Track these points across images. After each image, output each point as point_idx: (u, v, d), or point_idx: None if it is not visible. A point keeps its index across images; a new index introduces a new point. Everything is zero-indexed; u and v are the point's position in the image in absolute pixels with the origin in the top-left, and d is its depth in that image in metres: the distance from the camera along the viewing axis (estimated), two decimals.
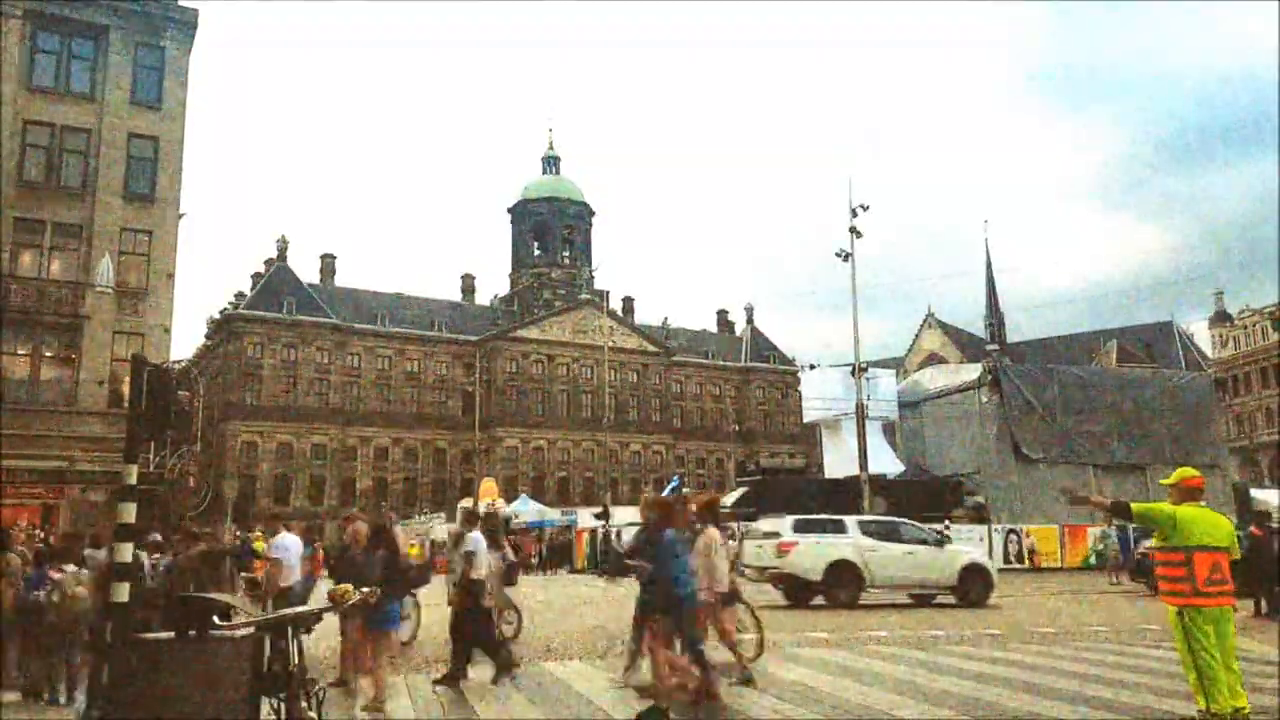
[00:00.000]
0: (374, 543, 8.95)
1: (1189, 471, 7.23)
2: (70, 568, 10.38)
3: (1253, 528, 16.73)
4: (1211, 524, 6.78)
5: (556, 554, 43.31)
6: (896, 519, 21.04)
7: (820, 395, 41.47)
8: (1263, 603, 15.91)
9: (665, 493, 49.88)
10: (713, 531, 9.21)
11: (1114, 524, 29.06)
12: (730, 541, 11.79)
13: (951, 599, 18.32)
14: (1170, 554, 6.73)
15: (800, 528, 18.83)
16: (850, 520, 19.40)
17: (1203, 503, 7.02)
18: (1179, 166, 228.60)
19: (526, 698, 8.86)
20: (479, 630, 9.84)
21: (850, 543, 18.23)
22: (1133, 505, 6.94)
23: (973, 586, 18.22)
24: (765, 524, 20.86)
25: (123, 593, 8.13)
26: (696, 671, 7.99)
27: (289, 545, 11.91)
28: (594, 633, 14.23)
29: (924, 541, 19.03)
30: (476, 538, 10.16)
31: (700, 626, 8.76)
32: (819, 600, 18.07)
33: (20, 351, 26.47)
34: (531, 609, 16.11)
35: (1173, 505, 6.86)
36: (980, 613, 17.02)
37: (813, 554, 18.05)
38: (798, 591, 18.37)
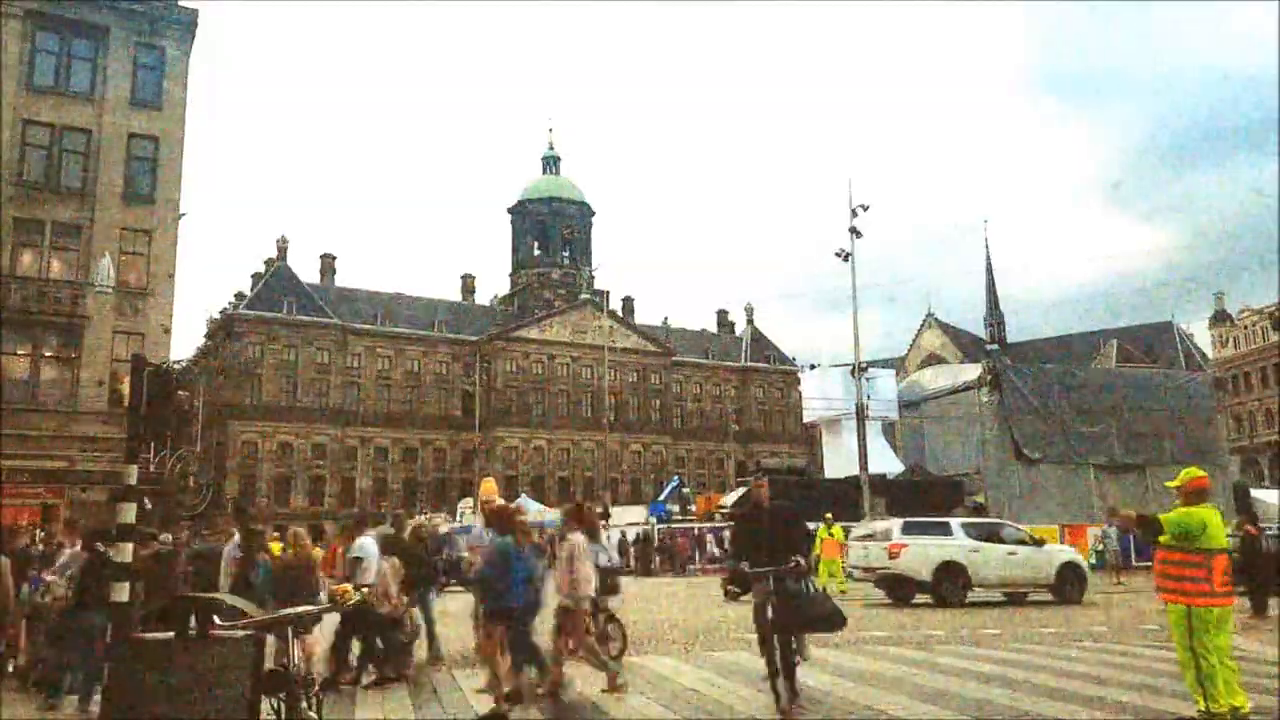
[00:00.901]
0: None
1: (1195, 472, 7.19)
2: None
3: (1249, 527, 16.72)
4: (1221, 525, 6.83)
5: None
6: (997, 520, 21.55)
7: (820, 395, 41.47)
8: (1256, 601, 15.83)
9: (665, 493, 49.92)
10: (577, 537, 9.13)
11: (1114, 524, 29.07)
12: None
13: (1049, 596, 18.82)
14: (1190, 555, 6.72)
15: (909, 530, 19.42)
16: (955, 522, 20.08)
17: (1210, 502, 7.01)
18: (1180, 166, 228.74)
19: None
20: (368, 637, 9.84)
21: (956, 544, 18.74)
22: (1162, 518, 6.85)
23: (1069, 584, 18.71)
24: (871, 526, 21.64)
25: (123, 592, 8.14)
26: (532, 675, 8.13)
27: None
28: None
29: (1023, 542, 19.53)
30: (364, 544, 10.08)
31: (573, 630, 8.84)
32: (922, 599, 18.59)
33: (20, 351, 26.46)
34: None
35: (1194, 509, 6.83)
36: (1070, 610, 17.31)
37: (922, 555, 18.54)
38: (900, 592, 18.91)
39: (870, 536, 20.24)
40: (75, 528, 12.53)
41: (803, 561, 7.96)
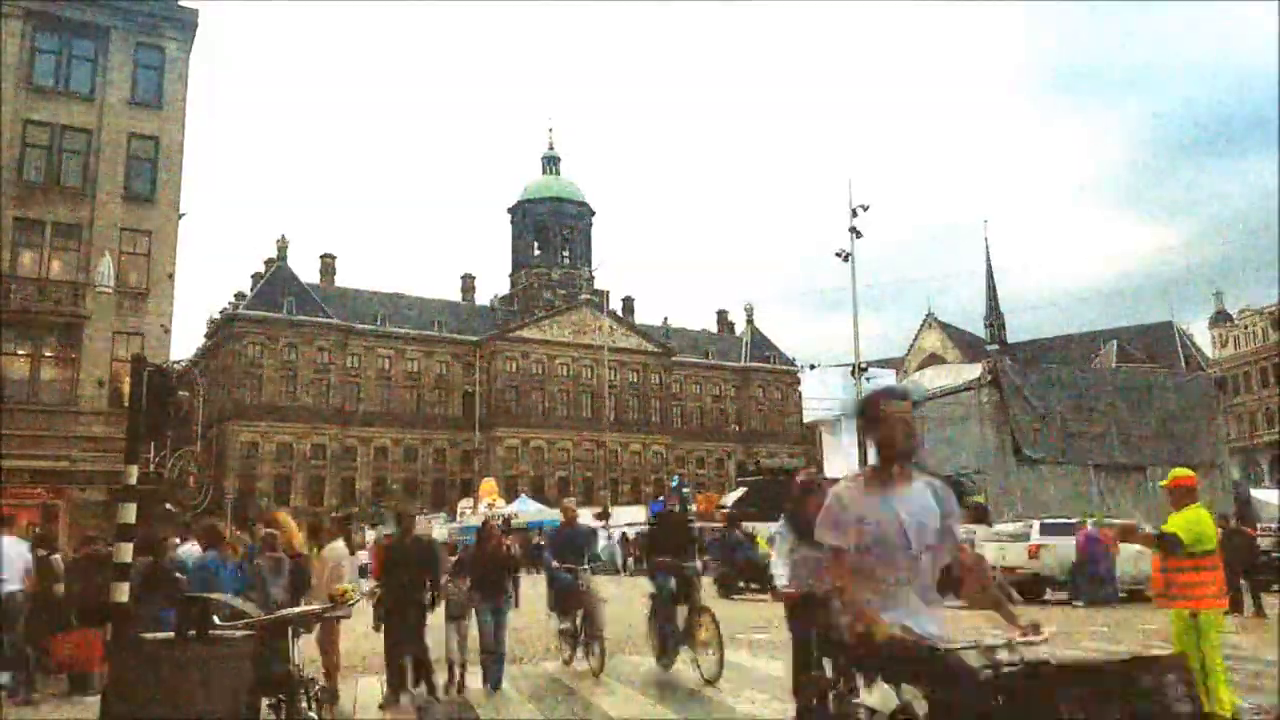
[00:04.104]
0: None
1: (1182, 471, 7.22)
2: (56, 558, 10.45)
3: (1245, 527, 16.83)
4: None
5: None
6: (1126, 520, 22.15)
7: (820, 395, 41.49)
8: (1248, 600, 15.78)
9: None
10: (338, 547, 9.06)
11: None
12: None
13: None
14: (1200, 559, 6.75)
15: (1046, 530, 20.17)
16: (1089, 522, 20.74)
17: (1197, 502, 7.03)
18: (1179, 166, 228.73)
19: (527, 698, 8.85)
20: None
21: None
22: (1179, 532, 6.77)
23: None
24: (1004, 527, 22.58)
25: (122, 593, 8.15)
26: None
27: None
28: None
29: None
30: (187, 550, 9.97)
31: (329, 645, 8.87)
32: (1052, 596, 19.10)
33: (20, 351, 26.46)
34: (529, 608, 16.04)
35: (1199, 512, 6.87)
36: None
37: (1058, 555, 19.08)
38: (1035, 590, 19.34)
39: (1007, 537, 21.08)
40: None
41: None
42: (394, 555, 8.84)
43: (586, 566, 10.15)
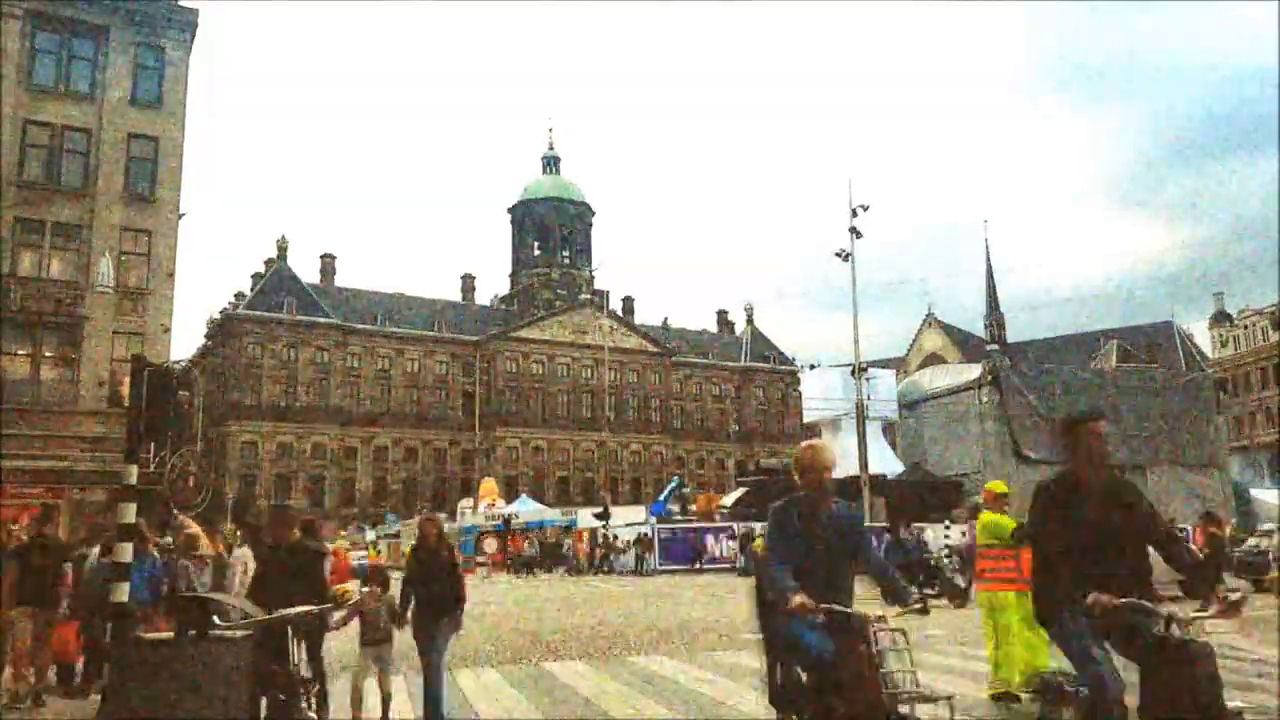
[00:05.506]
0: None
1: (995, 485, 8.92)
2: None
3: (1212, 528, 16.97)
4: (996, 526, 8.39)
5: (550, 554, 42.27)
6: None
7: (820, 395, 41.51)
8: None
9: (665, 493, 49.89)
10: (246, 552, 8.97)
11: None
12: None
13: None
14: (1006, 550, 8.28)
15: None
16: None
17: (1006, 509, 8.54)
18: (1180, 166, 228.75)
19: (527, 697, 8.86)
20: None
21: None
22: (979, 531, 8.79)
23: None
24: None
25: (122, 593, 8.15)
26: None
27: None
28: (594, 632, 14.23)
29: None
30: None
31: None
32: None
33: (20, 351, 26.45)
34: (529, 608, 16.06)
35: (998, 517, 8.48)
36: None
37: None
38: None
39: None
40: None
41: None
42: (270, 561, 6.72)
43: (908, 601, 4.45)
